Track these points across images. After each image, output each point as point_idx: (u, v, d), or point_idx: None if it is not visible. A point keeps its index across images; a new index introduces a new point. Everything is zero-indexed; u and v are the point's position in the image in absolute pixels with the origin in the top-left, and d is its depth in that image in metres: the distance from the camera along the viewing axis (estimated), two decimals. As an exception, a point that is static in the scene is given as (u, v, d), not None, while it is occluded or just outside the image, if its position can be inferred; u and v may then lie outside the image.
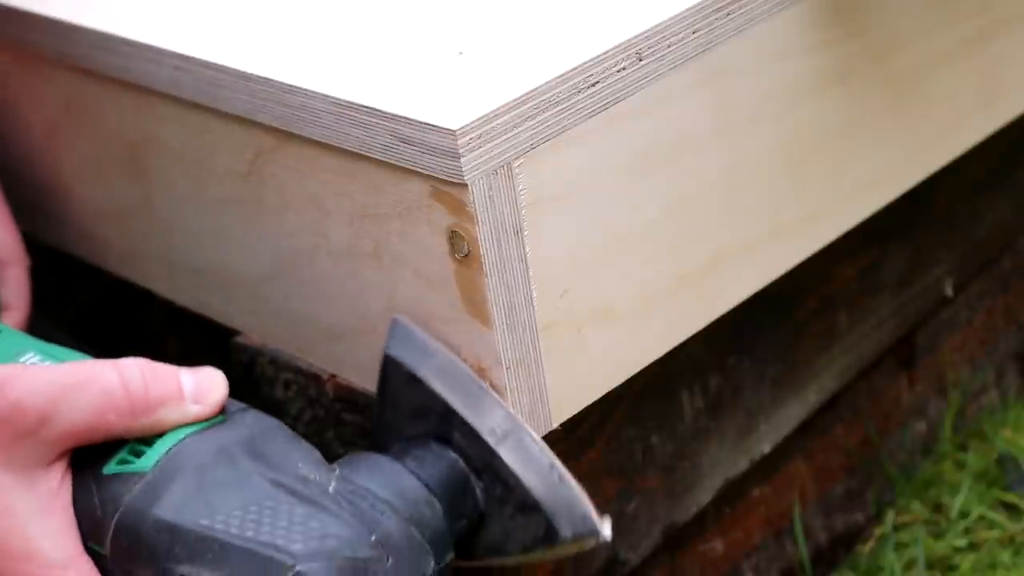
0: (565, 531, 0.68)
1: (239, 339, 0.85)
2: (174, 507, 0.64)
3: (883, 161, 0.87)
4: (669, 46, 0.72)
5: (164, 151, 0.83)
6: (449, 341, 0.71)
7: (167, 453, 0.66)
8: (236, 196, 0.80)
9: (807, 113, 0.81)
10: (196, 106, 0.78)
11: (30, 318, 0.86)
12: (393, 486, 0.67)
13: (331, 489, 0.66)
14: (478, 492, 0.69)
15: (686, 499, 0.88)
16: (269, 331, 0.83)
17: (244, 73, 0.74)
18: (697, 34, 0.73)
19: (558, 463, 0.68)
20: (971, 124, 0.93)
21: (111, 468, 0.66)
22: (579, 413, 0.74)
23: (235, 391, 0.87)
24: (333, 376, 0.80)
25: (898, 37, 0.85)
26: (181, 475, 0.65)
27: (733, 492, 0.92)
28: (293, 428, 0.84)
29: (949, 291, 1.05)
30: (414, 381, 0.70)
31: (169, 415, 0.66)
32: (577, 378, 0.73)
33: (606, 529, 0.68)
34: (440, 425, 0.70)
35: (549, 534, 0.68)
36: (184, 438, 0.66)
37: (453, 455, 0.69)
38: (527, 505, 0.68)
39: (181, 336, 1.13)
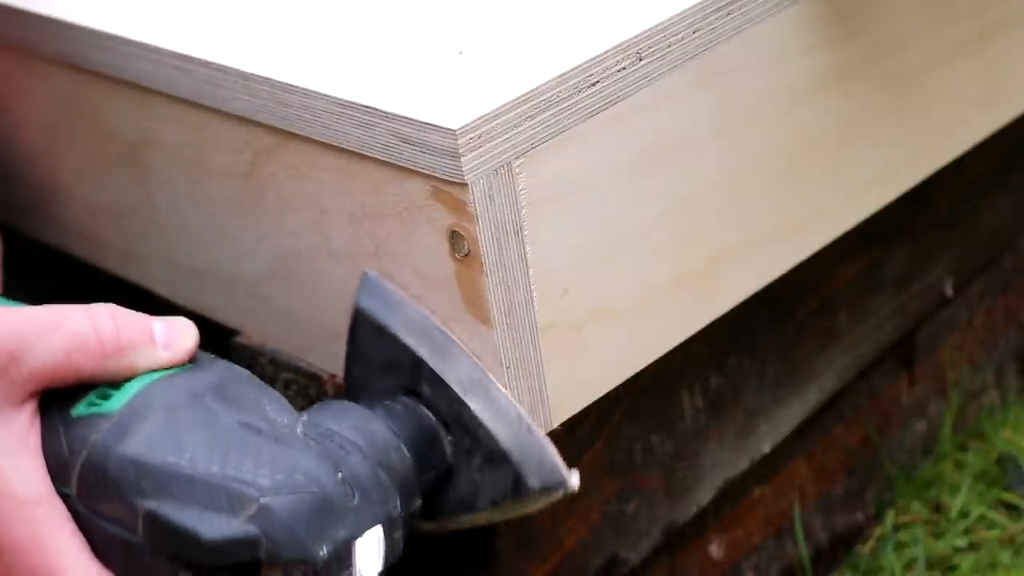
0: (533, 482, 0.68)
1: (239, 339, 0.85)
2: (141, 444, 0.64)
3: (883, 161, 0.87)
4: (669, 46, 0.72)
5: (163, 151, 0.83)
6: (449, 341, 0.71)
7: (135, 395, 0.66)
8: (236, 196, 0.80)
9: (807, 113, 0.81)
10: (196, 105, 0.78)
11: None
12: (362, 431, 0.68)
13: (299, 430, 0.66)
14: (447, 445, 0.69)
15: (686, 499, 0.88)
16: (269, 331, 0.83)
17: (244, 73, 0.74)
18: (697, 34, 0.73)
19: (525, 414, 0.68)
20: (971, 124, 0.93)
21: (79, 410, 0.66)
22: (579, 413, 0.74)
23: (235, 391, 0.86)
24: (333, 376, 0.80)
25: (898, 37, 0.85)
26: (149, 415, 0.65)
27: (733, 492, 0.92)
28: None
29: (949, 291, 1.05)
30: (383, 333, 0.70)
31: (139, 359, 0.66)
32: (577, 378, 0.73)
33: (574, 480, 0.68)
34: (409, 377, 0.70)
35: (517, 486, 0.68)
36: (153, 381, 0.66)
37: (422, 407, 0.69)
38: (495, 456, 0.68)
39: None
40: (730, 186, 0.78)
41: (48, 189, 0.94)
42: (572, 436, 0.79)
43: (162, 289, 0.90)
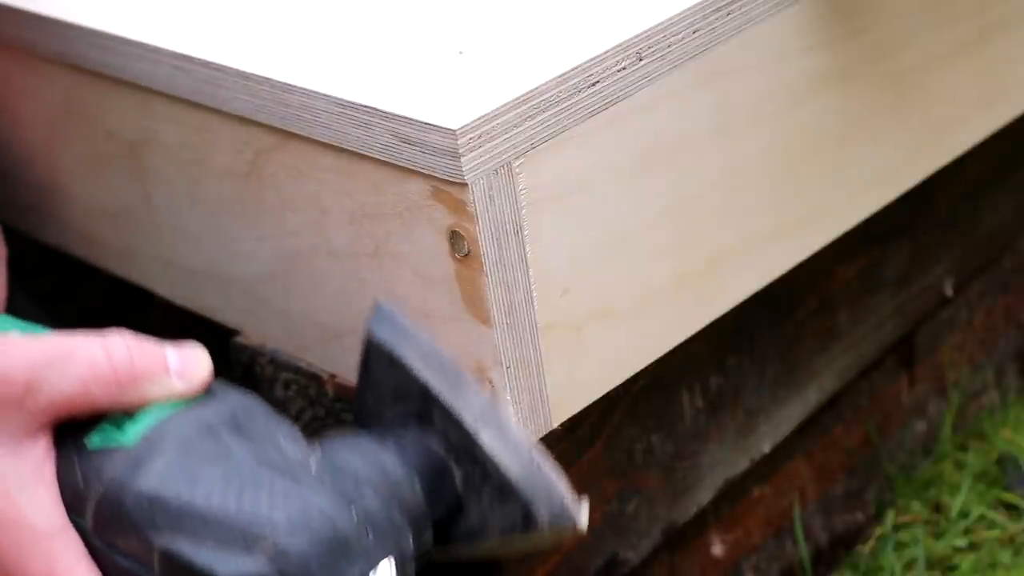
0: (542, 517, 0.68)
1: (239, 339, 0.85)
2: (156, 479, 0.64)
3: (883, 161, 0.87)
4: (669, 46, 0.72)
5: (163, 150, 0.83)
6: (449, 341, 0.71)
7: (150, 428, 0.66)
8: (236, 196, 0.80)
9: (807, 113, 0.81)
10: (195, 105, 0.78)
11: (5, 308, 0.86)
12: (374, 465, 0.67)
13: (312, 465, 0.66)
14: (457, 478, 0.69)
15: (686, 499, 0.88)
16: (269, 331, 0.83)
17: (244, 73, 0.74)
18: (697, 34, 0.73)
19: (536, 449, 0.68)
20: (971, 124, 0.93)
21: (94, 442, 0.66)
22: (579, 413, 0.74)
23: (235, 391, 0.86)
24: (333, 376, 0.80)
25: (898, 37, 0.85)
26: (164, 449, 0.65)
27: (733, 492, 0.92)
28: (293, 428, 0.84)
29: (949, 291, 1.05)
30: (395, 364, 0.70)
31: (153, 389, 0.66)
32: (577, 378, 0.73)
33: (583, 517, 0.68)
34: (421, 408, 0.70)
35: (527, 520, 0.68)
36: (167, 414, 0.66)
37: (433, 438, 0.69)
38: (505, 490, 0.68)
39: (181, 336, 1.13)
40: (730, 186, 0.78)
41: (48, 189, 0.94)
42: (572, 436, 0.79)
43: (161, 289, 0.90)
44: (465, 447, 0.68)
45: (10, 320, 0.73)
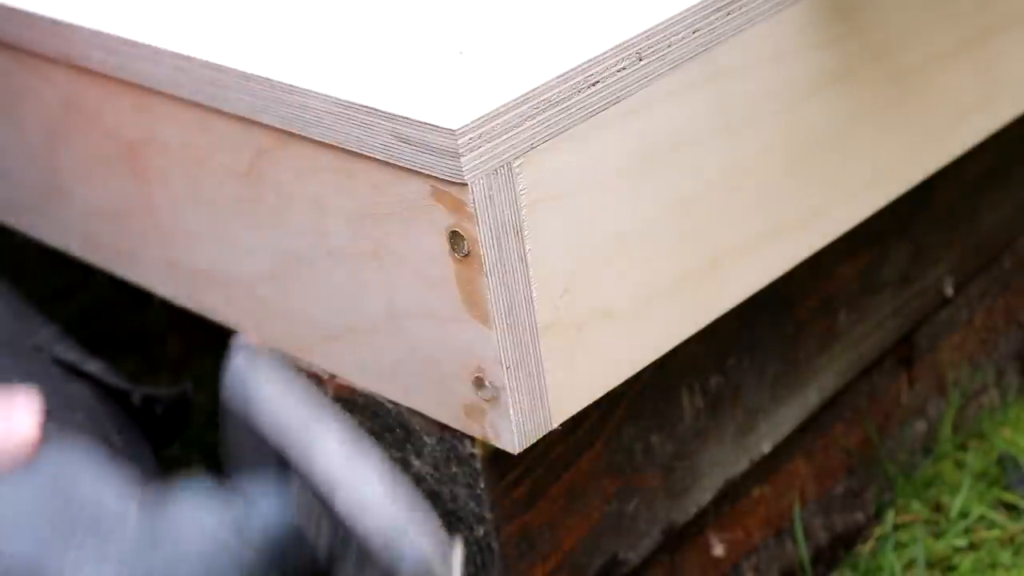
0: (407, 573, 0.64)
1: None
2: None
3: (883, 160, 0.87)
4: (669, 46, 0.72)
5: (164, 151, 0.83)
6: (449, 341, 0.71)
7: None
8: (236, 196, 0.80)
9: (807, 112, 0.81)
10: (196, 106, 0.78)
11: None
12: (202, 532, 0.65)
13: (131, 529, 0.65)
14: (322, 542, 0.66)
15: (686, 499, 0.88)
16: (269, 331, 0.83)
17: (244, 73, 0.74)
18: (697, 34, 0.73)
19: (401, 499, 0.64)
20: (971, 124, 0.93)
21: None
22: (579, 413, 0.74)
23: (235, 391, 0.86)
24: (333, 376, 0.80)
25: (898, 36, 0.85)
26: None
27: (733, 492, 0.92)
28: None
29: (949, 291, 1.05)
30: (248, 422, 0.67)
31: None
32: (577, 378, 0.73)
33: (456, 563, 0.65)
34: (279, 468, 0.67)
35: None
36: None
37: (292, 500, 0.66)
38: (364, 554, 0.64)
39: (181, 335, 1.13)
40: (731, 186, 0.78)
41: (48, 189, 0.94)
42: (572, 436, 0.79)
43: (162, 289, 0.90)
44: (324, 510, 0.65)
45: None
